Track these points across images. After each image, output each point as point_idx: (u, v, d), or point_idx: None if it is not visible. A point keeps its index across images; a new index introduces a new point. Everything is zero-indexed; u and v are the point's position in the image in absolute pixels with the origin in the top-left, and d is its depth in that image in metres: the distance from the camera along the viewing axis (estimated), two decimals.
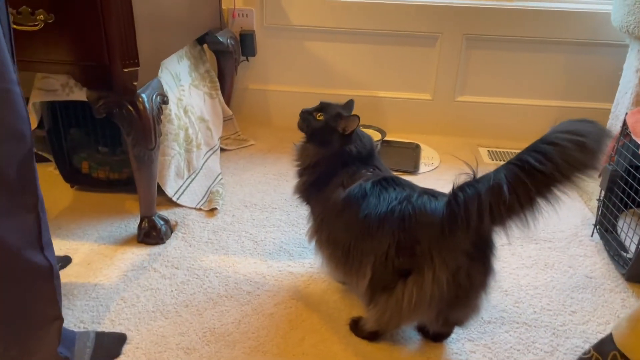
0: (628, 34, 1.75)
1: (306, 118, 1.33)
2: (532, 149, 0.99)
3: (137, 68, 1.40)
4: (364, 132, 1.36)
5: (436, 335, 1.26)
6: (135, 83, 1.40)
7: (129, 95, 1.41)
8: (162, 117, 1.66)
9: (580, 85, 2.31)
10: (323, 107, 1.34)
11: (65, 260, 1.49)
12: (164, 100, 1.52)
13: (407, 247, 1.09)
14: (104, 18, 1.33)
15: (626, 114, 1.54)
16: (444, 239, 1.06)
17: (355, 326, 1.27)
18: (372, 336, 1.24)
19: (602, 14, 2.13)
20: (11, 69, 0.93)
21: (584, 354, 0.94)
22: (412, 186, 1.21)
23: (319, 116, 1.31)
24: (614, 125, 1.91)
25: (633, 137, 1.46)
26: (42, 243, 1.02)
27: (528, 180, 0.97)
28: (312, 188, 1.33)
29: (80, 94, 1.50)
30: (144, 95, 1.43)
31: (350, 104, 1.38)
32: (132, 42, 1.37)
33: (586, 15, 2.16)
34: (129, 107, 1.41)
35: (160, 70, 1.71)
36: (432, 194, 1.15)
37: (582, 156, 0.95)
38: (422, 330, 1.27)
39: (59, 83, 1.59)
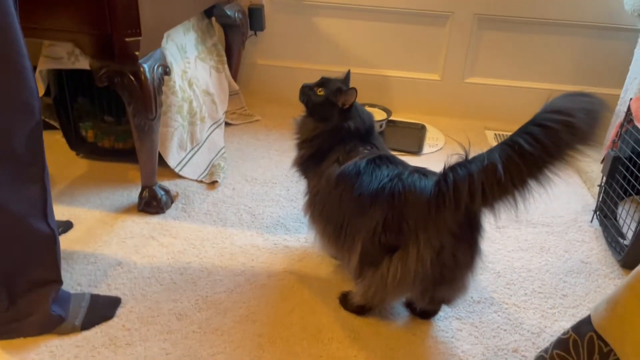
0: (639, 18, 1.71)
1: (307, 93, 1.33)
2: (523, 130, 0.99)
3: (139, 38, 1.41)
4: (364, 109, 1.36)
5: (423, 313, 1.27)
6: (137, 53, 1.41)
7: (130, 65, 1.42)
8: (165, 88, 1.67)
9: (591, 70, 2.27)
10: (324, 82, 1.34)
11: (67, 225, 1.53)
12: (166, 71, 1.53)
13: (394, 223, 1.10)
14: None
15: (631, 99, 1.52)
16: (430, 218, 1.06)
17: (345, 300, 1.29)
18: (360, 310, 1.26)
19: None
20: (23, 43, 0.96)
21: (563, 334, 0.94)
22: (404, 164, 1.22)
23: (319, 91, 1.31)
24: (621, 111, 1.88)
25: (636, 123, 1.44)
26: (46, 211, 1.06)
27: (520, 161, 0.97)
28: (309, 162, 1.34)
29: (85, 63, 1.52)
30: (145, 66, 1.44)
31: (347, 75, 1.38)
32: (134, 11, 1.38)
33: None
34: (130, 76, 1.42)
35: (165, 42, 1.72)
36: (423, 172, 1.15)
37: (570, 137, 0.95)
38: (410, 306, 1.29)
39: (64, 51, 1.61)
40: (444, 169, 1.08)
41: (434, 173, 1.14)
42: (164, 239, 1.51)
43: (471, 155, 1.06)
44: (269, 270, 1.41)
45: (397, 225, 1.10)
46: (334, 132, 1.29)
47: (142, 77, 1.43)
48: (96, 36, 1.40)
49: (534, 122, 0.97)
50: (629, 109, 1.51)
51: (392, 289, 1.12)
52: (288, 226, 1.60)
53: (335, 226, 1.22)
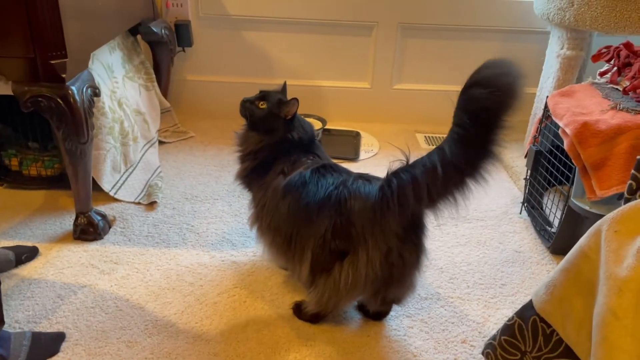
0: (549, 21, 1.85)
1: (248, 107, 1.34)
2: (446, 139, 1.04)
3: (65, 60, 1.36)
4: (304, 119, 1.39)
5: (376, 314, 1.30)
6: (63, 75, 1.36)
7: (57, 88, 1.36)
8: (95, 110, 1.62)
9: None
10: (264, 95, 1.35)
11: (33, 251, 1.47)
12: (95, 93, 1.48)
13: (343, 230, 1.13)
14: (27, 8, 1.28)
15: (547, 97, 1.64)
16: (376, 222, 1.10)
17: (298, 310, 1.30)
18: (315, 318, 1.28)
19: (526, 3, 2.24)
20: None
21: (508, 320, 1.00)
22: (348, 172, 1.25)
23: (261, 104, 1.32)
24: (538, 109, 2.02)
25: (554, 118, 1.55)
26: None
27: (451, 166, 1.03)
28: (253, 174, 1.35)
29: (5, 88, 1.44)
30: (73, 88, 1.39)
31: (284, 87, 1.41)
32: (58, 32, 1.33)
33: (512, 4, 2.27)
34: (58, 100, 1.37)
35: (91, 62, 1.67)
36: (367, 178, 1.19)
37: (468, 151, 1.01)
38: (363, 309, 1.32)
39: None
40: (387, 174, 1.11)
41: (377, 178, 1.18)
42: (105, 265, 1.46)
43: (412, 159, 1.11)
44: (219, 288, 1.39)
45: (346, 231, 1.13)
46: (279, 144, 1.31)
47: (71, 99, 1.38)
48: (19, 60, 1.34)
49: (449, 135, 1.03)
50: (546, 105, 1.62)
51: (345, 293, 1.14)
52: (234, 241, 1.59)
53: (284, 237, 1.23)
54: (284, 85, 1.42)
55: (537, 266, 1.54)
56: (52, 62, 1.34)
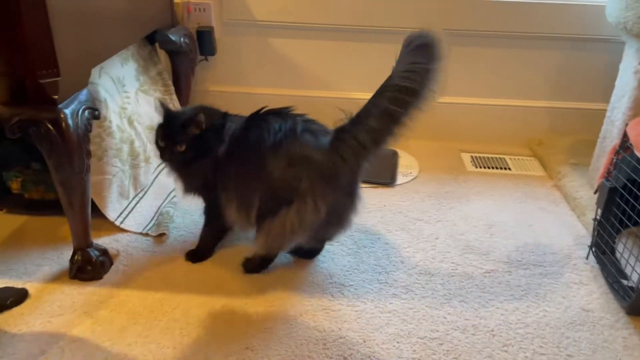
0: (625, 30, 1.56)
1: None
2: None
3: (57, 78, 1.18)
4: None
5: (309, 252, 1.45)
6: (55, 96, 1.18)
7: (47, 112, 1.18)
8: (100, 130, 1.46)
9: (571, 84, 2.13)
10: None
11: (21, 294, 1.31)
12: (94, 115, 1.30)
13: (293, 181, 1.23)
14: (11, 20, 1.10)
15: (627, 124, 1.36)
16: (328, 178, 1.23)
17: (248, 263, 1.41)
18: (263, 263, 1.41)
19: (595, 7, 1.95)
20: None
21: None
22: (293, 118, 1.31)
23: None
24: (609, 132, 1.73)
25: (635, 151, 1.28)
26: None
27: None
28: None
29: None
30: (66, 111, 1.20)
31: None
32: (48, 46, 1.15)
33: (577, 9, 1.98)
34: (48, 125, 1.18)
35: (97, 77, 1.49)
36: (312, 130, 1.28)
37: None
38: (297, 252, 1.45)
39: None
40: (336, 131, 1.27)
41: (323, 131, 1.29)
42: (101, 313, 1.27)
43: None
44: (229, 348, 1.18)
45: (296, 183, 1.22)
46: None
47: (63, 124, 1.19)
48: (4, 79, 1.16)
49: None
50: (625, 134, 1.35)
51: (290, 236, 1.27)
52: (254, 287, 1.37)
53: (237, 198, 1.32)
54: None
55: (610, 331, 1.27)
56: (42, 81, 1.16)
